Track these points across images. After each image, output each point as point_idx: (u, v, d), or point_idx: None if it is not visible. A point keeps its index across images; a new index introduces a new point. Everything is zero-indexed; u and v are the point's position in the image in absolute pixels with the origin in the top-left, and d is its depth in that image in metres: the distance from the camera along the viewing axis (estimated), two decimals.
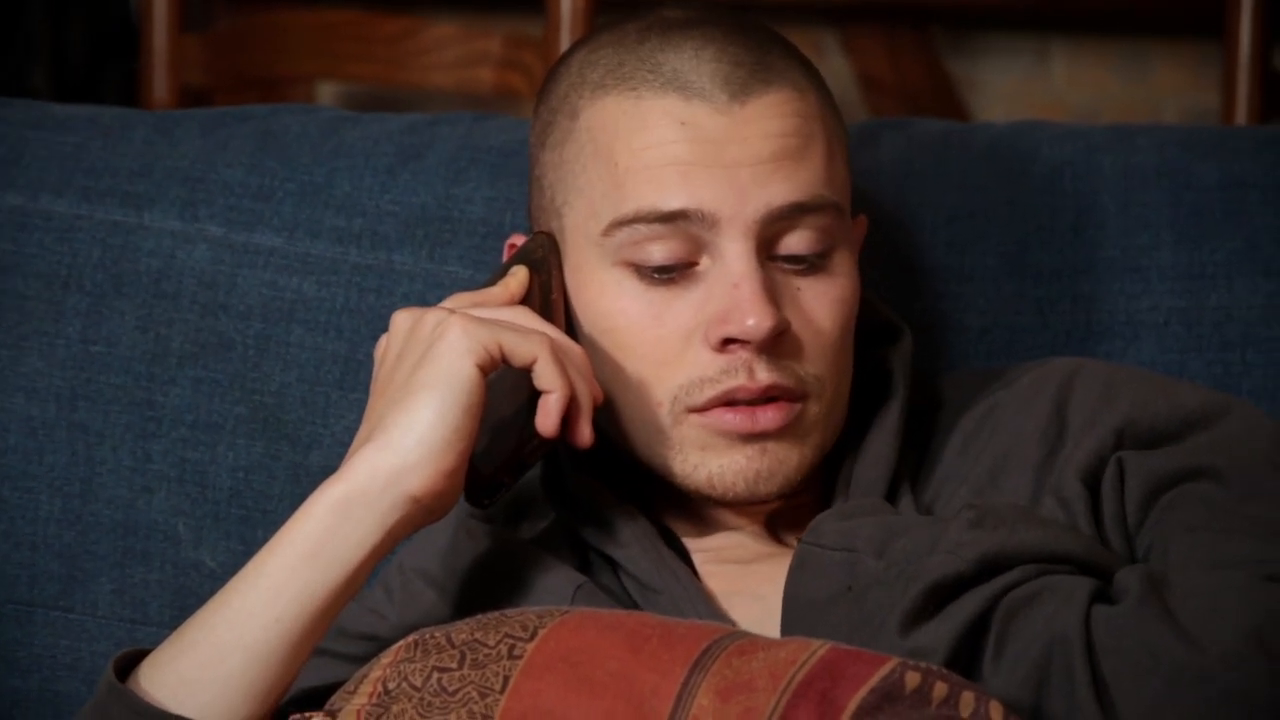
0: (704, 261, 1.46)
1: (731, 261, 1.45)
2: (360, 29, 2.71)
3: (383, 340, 1.45)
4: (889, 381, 1.53)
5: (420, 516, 1.39)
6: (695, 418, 1.45)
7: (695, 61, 1.47)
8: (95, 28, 3.24)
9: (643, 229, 1.45)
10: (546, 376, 1.40)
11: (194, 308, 1.75)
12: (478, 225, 1.75)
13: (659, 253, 1.45)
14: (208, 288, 1.76)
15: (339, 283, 1.75)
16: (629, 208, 1.46)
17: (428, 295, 1.73)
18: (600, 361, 1.48)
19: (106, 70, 3.25)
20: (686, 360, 1.45)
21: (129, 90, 3.09)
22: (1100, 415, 1.45)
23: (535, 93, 1.58)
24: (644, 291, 1.46)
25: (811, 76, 1.51)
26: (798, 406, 1.46)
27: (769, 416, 1.45)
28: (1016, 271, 1.74)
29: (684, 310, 1.46)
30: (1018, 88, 3.30)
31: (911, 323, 1.62)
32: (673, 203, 1.45)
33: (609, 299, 1.47)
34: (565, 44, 2.44)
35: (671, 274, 1.46)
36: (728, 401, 1.45)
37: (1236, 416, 1.44)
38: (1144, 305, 1.73)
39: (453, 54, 2.66)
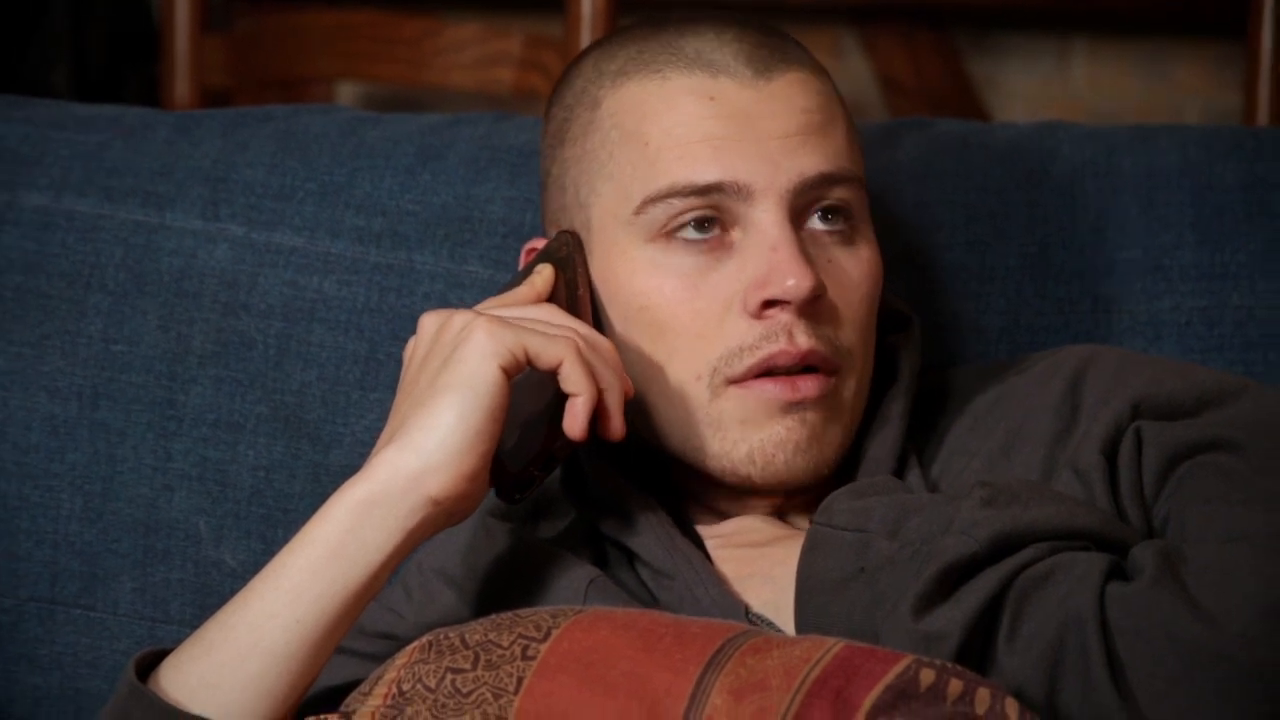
0: (736, 234, 1.47)
1: (767, 229, 1.46)
2: (380, 29, 2.71)
3: (411, 342, 1.46)
4: (898, 368, 1.54)
5: (441, 519, 1.39)
6: (734, 390, 1.46)
7: (717, 42, 1.49)
8: (116, 29, 3.25)
9: (677, 203, 1.47)
10: (573, 380, 1.40)
11: (215, 307, 1.76)
12: (498, 225, 1.76)
13: (694, 219, 1.47)
14: (229, 287, 1.76)
15: (360, 282, 1.75)
16: (663, 183, 1.47)
17: (448, 295, 1.74)
18: (633, 346, 1.48)
19: (127, 71, 3.26)
20: (725, 330, 1.46)
21: (149, 92, 3.10)
22: (1115, 391, 1.45)
23: None
24: (679, 265, 1.47)
25: (822, 68, 1.54)
26: (833, 380, 1.47)
27: (808, 384, 1.46)
28: (1037, 272, 1.74)
29: (720, 281, 1.47)
30: (1038, 88, 3.30)
31: (932, 322, 1.62)
32: (706, 176, 1.46)
33: (643, 277, 1.48)
34: (585, 44, 2.44)
35: (707, 235, 1.46)
36: (767, 370, 1.45)
37: (1252, 394, 1.44)
38: (1165, 305, 1.73)
39: (473, 54, 2.66)
